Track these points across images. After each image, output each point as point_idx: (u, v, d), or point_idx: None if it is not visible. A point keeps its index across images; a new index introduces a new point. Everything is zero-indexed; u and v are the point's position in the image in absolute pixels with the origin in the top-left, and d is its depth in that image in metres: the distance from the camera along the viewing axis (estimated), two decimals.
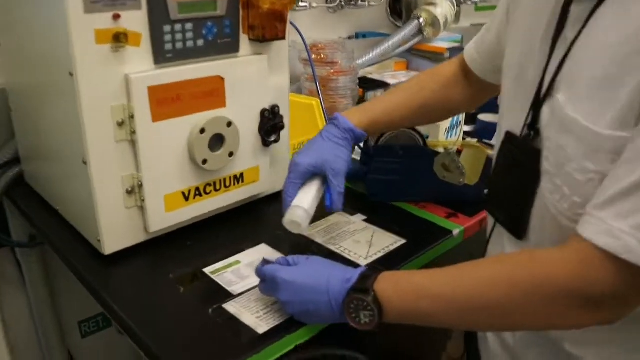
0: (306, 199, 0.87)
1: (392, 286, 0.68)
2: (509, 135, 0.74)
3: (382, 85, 1.67)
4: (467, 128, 1.55)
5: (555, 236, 0.65)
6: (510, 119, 0.75)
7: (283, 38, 0.95)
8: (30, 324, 1.31)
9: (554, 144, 0.63)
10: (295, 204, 0.87)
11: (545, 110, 0.65)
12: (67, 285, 1.33)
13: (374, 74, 1.78)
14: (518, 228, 0.72)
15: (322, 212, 1.04)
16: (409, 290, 0.66)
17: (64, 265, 0.93)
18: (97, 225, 0.84)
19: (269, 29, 0.92)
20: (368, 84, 1.64)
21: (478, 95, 1.01)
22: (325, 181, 0.90)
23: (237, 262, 0.88)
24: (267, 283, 0.74)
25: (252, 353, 0.69)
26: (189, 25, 0.84)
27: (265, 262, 0.76)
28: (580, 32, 0.61)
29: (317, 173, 0.90)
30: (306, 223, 0.87)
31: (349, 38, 1.85)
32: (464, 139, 1.49)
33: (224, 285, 0.82)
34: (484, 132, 1.55)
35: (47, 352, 1.35)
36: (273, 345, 0.71)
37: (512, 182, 0.73)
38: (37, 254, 1.24)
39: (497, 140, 0.82)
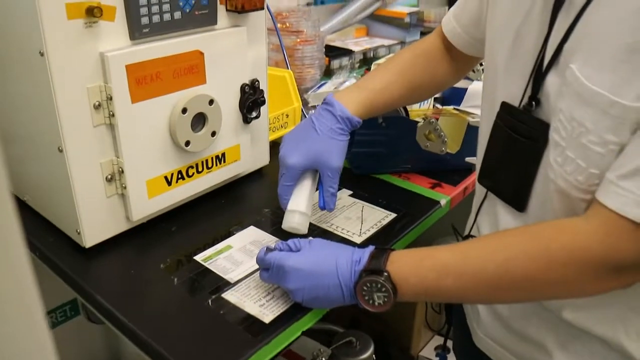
0: (302, 200, 0.84)
1: (407, 264, 0.65)
2: (505, 106, 0.71)
3: (347, 52, 1.63)
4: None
5: (559, 207, 0.64)
6: (505, 89, 0.72)
7: (262, 8, 0.90)
8: None
9: (567, 116, 0.59)
10: (292, 208, 0.84)
11: (552, 81, 0.63)
12: None
13: (336, 41, 1.74)
14: (519, 200, 0.71)
15: None
16: (428, 267, 0.64)
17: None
18: (77, 217, 0.78)
19: None
20: (333, 52, 1.60)
21: (463, 68, 0.98)
22: (318, 175, 0.86)
23: (229, 247, 0.84)
24: (273, 271, 0.70)
25: (262, 345, 0.66)
26: None
27: (268, 249, 0.72)
28: None
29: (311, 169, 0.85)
30: (306, 225, 0.85)
31: (308, 5, 1.79)
32: (434, 106, 1.47)
33: (219, 273, 0.78)
34: (452, 97, 1.54)
35: None
36: (282, 334, 0.68)
37: (512, 154, 0.71)
38: None
39: (486, 110, 0.79)
